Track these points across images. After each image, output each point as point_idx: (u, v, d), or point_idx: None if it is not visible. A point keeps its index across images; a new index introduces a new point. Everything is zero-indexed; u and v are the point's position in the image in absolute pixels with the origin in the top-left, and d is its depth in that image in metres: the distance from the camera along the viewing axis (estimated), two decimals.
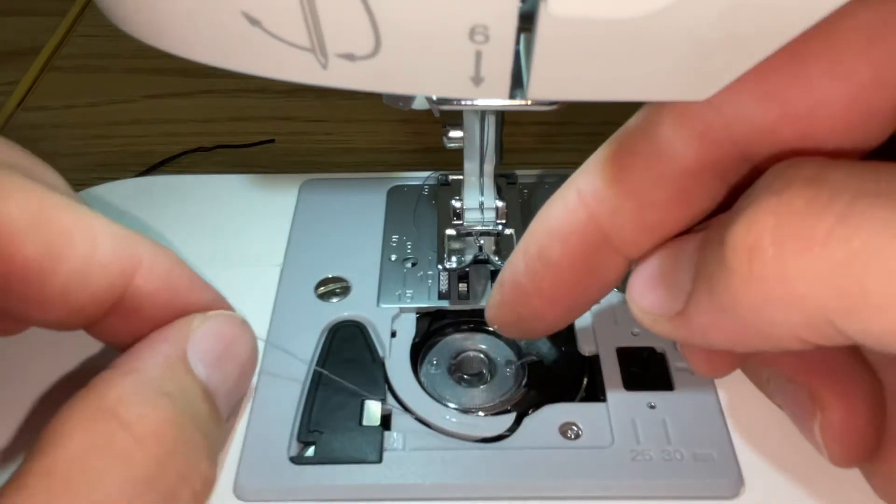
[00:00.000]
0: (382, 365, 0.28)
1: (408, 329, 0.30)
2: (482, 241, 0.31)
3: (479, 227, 0.31)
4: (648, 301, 0.21)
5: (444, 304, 0.31)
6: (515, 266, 0.23)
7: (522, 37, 0.14)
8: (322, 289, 0.31)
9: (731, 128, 0.18)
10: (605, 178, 0.20)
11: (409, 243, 0.33)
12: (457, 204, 0.31)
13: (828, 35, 0.17)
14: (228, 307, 0.26)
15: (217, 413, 0.23)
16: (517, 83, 0.16)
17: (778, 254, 0.16)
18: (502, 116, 0.28)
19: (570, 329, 0.30)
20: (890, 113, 0.17)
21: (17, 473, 0.19)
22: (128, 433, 0.20)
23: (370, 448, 0.26)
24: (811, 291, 0.15)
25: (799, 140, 0.18)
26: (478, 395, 0.28)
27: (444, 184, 0.35)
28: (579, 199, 0.21)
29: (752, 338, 0.17)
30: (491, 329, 0.31)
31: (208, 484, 0.22)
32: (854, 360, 0.21)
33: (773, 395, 0.23)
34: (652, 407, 0.27)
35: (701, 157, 0.19)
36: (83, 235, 0.22)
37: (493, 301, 0.25)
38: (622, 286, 0.30)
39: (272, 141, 0.46)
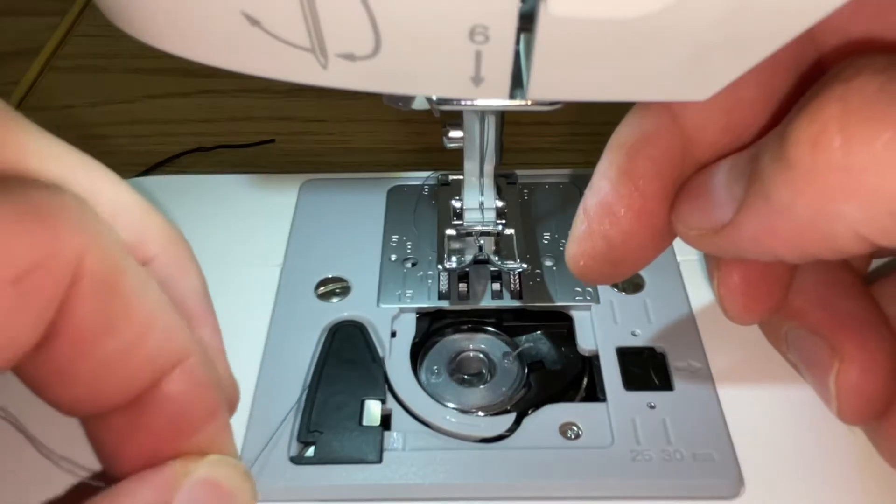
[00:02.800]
0: (382, 365, 0.28)
1: (408, 329, 0.30)
2: (482, 241, 0.31)
3: (479, 227, 0.31)
4: (696, 215, 0.20)
5: (444, 304, 0.31)
6: (598, 188, 0.22)
7: (522, 37, 0.14)
8: (322, 289, 0.31)
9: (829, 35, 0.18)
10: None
11: (409, 243, 0.33)
12: (457, 204, 0.31)
13: None
14: (220, 345, 0.22)
15: None
16: (517, 83, 0.16)
17: (845, 142, 0.15)
18: (502, 116, 0.28)
19: (570, 329, 0.30)
20: None
21: None
22: None
23: (370, 448, 0.26)
24: (879, 181, 0.15)
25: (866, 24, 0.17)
26: (478, 395, 0.28)
27: (444, 184, 0.35)
28: (668, 114, 0.20)
29: (808, 240, 0.17)
30: (491, 329, 0.31)
31: None
32: (878, 316, 0.21)
33: (789, 349, 0.23)
34: (652, 407, 0.27)
35: (789, 47, 0.18)
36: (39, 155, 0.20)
37: (577, 234, 0.22)
38: (619, 284, 0.31)
39: (272, 141, 0.46)
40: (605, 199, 0.21)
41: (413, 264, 0.32)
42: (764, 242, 0.18)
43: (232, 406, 0.21)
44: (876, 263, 0.25)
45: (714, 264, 0.23)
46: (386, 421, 0.27)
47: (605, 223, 0.22)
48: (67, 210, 0.17)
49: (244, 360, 0.29)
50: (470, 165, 0.29)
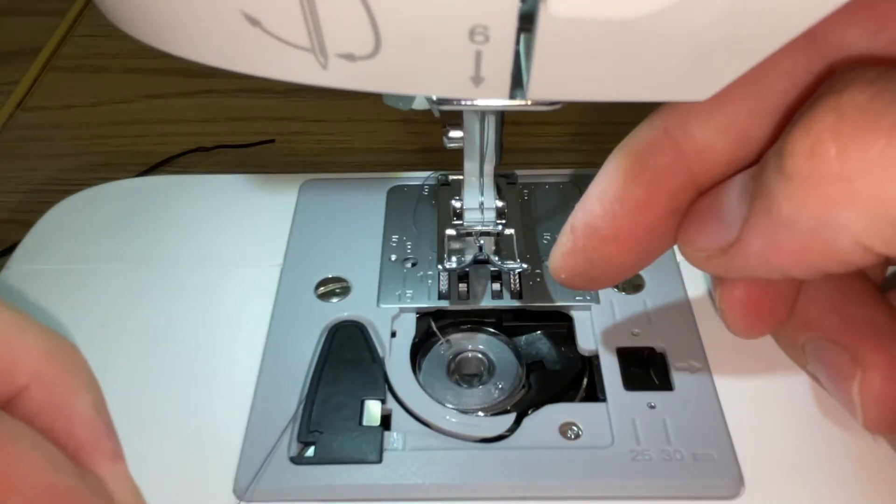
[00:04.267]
0: (382, 365, 0.28)
1: (408, 329, 0.30)
2: (482, 241, 0.31)
3: (479, 227, 0.31)
4: (702, 238, 0.20)
5: (444, 304, 0.31)
6: (589, 209, 0.21)
7: (522, 37, 0.14)
8: (322, 289, 0.31)
9: (835, 55, 0.18)
10: (698, 115, 0.19)
11: (409, 243, 0.33)
12: (457, 204, 0.31)
13: None
14: (121, 470, 0.20)
15: None
16: (517, 83, 0.16)
17: (841, 151, 0.15)
18: (502, 116, 0.28)
19: (570, 329, 0.30)
20: None
21: None
22: None
23: (370, 448, 0.26)
24: (877, 189, 0.15)
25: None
26: (477, 395, 0.28)
27: (444, 184, 0.35)
28: (667, 138, 0.20)
29: (813, 253, 0.17)
30: (491, 329, 0.31)
31: None
32: None
33: (808, 362, 0.23)
34: (652, 407, 0.27)
35: (805, 89, 0.18)
36: None
37: (562, 249, 0.22)
38: (620, 285, 0.31)
39: (272, 141, 0.46)
40: (594, 223, 0.21)
41: (413, 264, 0.32)
42: (770, 259, 0.18)
43: None
44: (891, 270, 0.25)
45: (717, 278, 0.23)
46: (386, 421, 0.27)
47: (590, 245, 0.22)
48: None
49: (244, 361, 0.29)
50: (470, 165, 0.29)
